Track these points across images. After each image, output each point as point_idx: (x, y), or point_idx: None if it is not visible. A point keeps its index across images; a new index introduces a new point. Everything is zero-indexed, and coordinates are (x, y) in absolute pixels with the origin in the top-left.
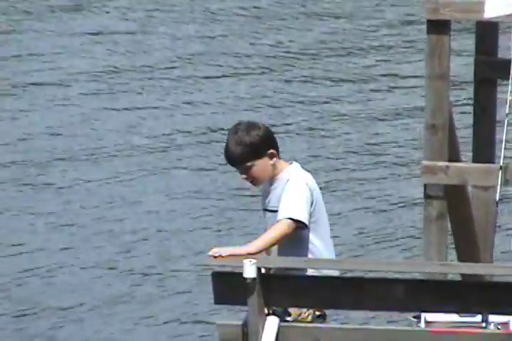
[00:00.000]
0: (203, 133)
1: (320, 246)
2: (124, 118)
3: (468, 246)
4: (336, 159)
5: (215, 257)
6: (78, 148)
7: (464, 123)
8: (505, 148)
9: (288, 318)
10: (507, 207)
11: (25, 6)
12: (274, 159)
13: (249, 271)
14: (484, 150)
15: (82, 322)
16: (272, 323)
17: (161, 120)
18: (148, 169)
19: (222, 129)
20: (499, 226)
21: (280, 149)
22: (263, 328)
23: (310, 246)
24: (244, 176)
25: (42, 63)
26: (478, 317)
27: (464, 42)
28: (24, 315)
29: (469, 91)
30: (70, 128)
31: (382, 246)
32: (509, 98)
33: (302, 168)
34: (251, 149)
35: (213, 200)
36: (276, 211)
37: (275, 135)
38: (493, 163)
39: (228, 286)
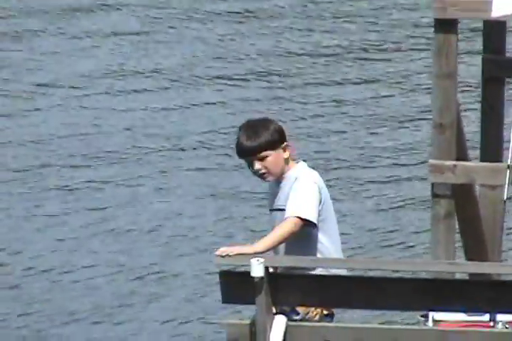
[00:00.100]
0: (205, 134)
1: (328, 244)
2: (129, 119)
3: (475, 245)
4: (343, 160)
5: (223, 256)
6: (84, 149)
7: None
8: None
9: (296, 317)
10: None
11: (37, 7)
12: (287, 153)
13: (257, 270)
14: (492, 149)
15: (86, 322)
16: (279, 322)
17: (167, 121)
18: (152, 170)
19: (225, 132)
20: (507, 226)
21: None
22: (271, 327)
23: (318, 244)
24: (258, 167)
25: (53, 64)
26: (486, 316)
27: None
28: (28, 314)
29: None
30: (79, 128)
31: (387, 245)
32: None
33: (309, 166)
34: (269, 139)
35: (218, 200)
36: (285, 209)
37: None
38: (501, 162)
39: (236, 285)
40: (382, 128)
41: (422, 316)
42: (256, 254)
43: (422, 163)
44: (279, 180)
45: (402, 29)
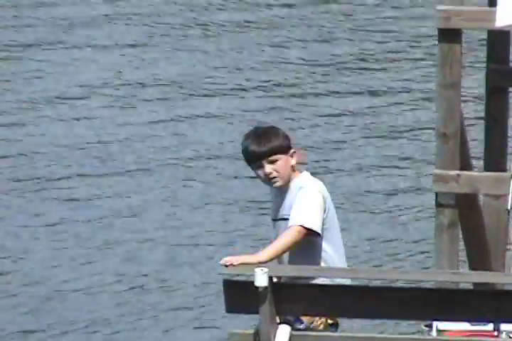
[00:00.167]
0: (204, 144)
1: (332, 253)
2: (130, 129)
3: (479, 255)
4: (350, 171)
5: (227, 266)
6: (86, 160)
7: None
8: None
9: (300, 326)
10: None
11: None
12: (294, 159)
13: (261, 280)
14: (495, 158)
15: (89, 331)
16: (283, 332)
17: (167, 132)
18: (154, 179)
19: (224, 142)
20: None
21: None
22: (274, 337)
23: (323, 253)
24: (269, 170)
25: (53, 75)
26: (490, 326)
27: None
28: (28, 323)
29: None
30: (80, 139)
31: (390, 254)
32: None
33: (313, 176)
34: (280, 143)
35: (221, 209)
36: (289, 219)
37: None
38: (505, 171)
39: (240, 295)
40: (382, 139)
41: (425, 326)
42: (260, 264)
43: (424, 173)
44: (283, 188)
45: (401, 39)
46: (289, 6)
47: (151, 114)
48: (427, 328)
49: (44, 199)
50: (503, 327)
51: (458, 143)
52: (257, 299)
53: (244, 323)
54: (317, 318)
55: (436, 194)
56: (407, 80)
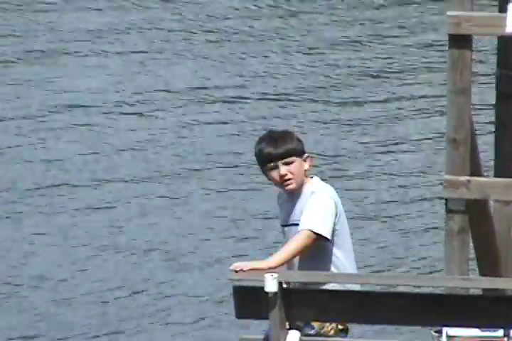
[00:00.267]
0: (209, 155)
1: (343, 259)
2: (137, 137)
3: (489, 261)
4: (359, 177)
5: (237, 271)
6: (94, 167)
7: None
8: None
9: (310, 332)
10: None
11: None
12: (307, 164)
13: (271, 286)
14: (506, 164)
15: (89, 336)
16: (293, 338)
17: (180, 140)
18: (160, 187)
19: (240, 153)
20: None
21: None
22: None
23: (334, 259)
24: (284, 172)
25: (61, 83)
26: (500, 332)
27: None
28: (31, 327)
29: None
30: (88, 147)
31: (400, 261)
32: None
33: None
34: (295, 145)
35: (228, 216)
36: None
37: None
38: None
39: (250, 301)
40: (395, 147)
41: (435, 332)
42: (270, 269)
43: (435, 183)
44: (295, 193)
45: (414, 50)
46: (294, 14)
47: (160, 121)
48: (437, 334)
49: (53, 204)
50: None
51: (468, 148)
52: (267, 305)
53: (254, 329)
54: (327, 324)
55: (447, 200)
56: (419, 88)
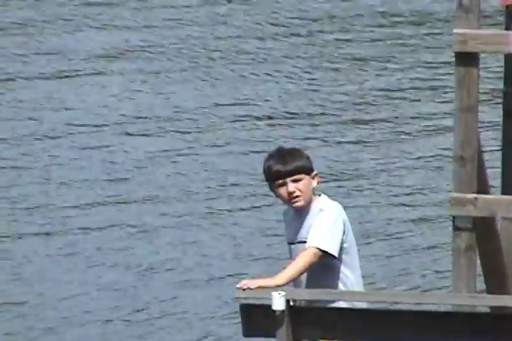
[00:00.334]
0: (227, 171)
1: (352, 278)
2: (149, 157)
3: (497, 278)
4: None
5: (244, 290)
6: (111, 187)
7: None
8: None
9: None
10: None
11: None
12: (315, 182)
13: (278, 304)
14: None
15: None
16: None
17: (186, 159)
18: (171, 206)
19: (243, 172)
20: None
21: None
22: None
23: (341, 275)
24: (292, 189)
25: (75, 102)
26: None
27: None
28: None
29: None
30: (103, 166)
31: (403, 276)
32: None
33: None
34: (304, 163)
35: (234, 233)
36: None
37: None
38: None
39: (257, 319)
40: (403, 168)
41: None
42: (277, 287)
43: (435, 201)
44: (303, 210)
45: (423, 69)
46: (302, 35)
47: (168, 142)
48: None
49: (59, 224)
50: None
51: (475, 166)
52: (275, 323)
53: None
54: None
55: (454, 217)
56: (432, 107)
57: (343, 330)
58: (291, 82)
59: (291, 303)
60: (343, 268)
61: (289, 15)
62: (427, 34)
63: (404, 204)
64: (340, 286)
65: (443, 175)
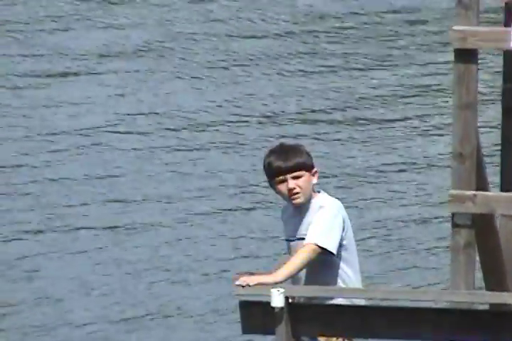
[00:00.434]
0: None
1: (351, 274)
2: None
3: (496, 275)
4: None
5: (243, 286)
6: (108, 190)
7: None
8: None
9: None
10: None
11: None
12: (315, 179)
13: (277, 301)
14: (511, 178)
15: None
16: None
17: (192, 161)
18: (172, 206)
19: (242, 172)
20: None
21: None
22: None
23: (340, 272)
24: (293, 185)
25: (80, 107)
26: None
27: None
28: None
29: None
30: (101, 171)
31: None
32: None
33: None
34: (305, 160)
35: (232, 232)
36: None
37: None
38: None
39: (256, 316)
40: (406, 169)
41: None
42: (276, 284)
43: (435, 202)
44: (302, 207)
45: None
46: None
47: (165, 140)
48: None
49: (63, 225)
50: None
51: (474, 163)
52: (274, 320)
53: None
54: (334, 339)
55: (453, 214)
56: (439, 110)
57: (341, 327)
58: (284, 80)
59: (290, 300)
60: (342, 264)
61: (282, 13)
62: (420, 32)
63: (402, 204)
64: (340, 283)
65: (440, 174)
